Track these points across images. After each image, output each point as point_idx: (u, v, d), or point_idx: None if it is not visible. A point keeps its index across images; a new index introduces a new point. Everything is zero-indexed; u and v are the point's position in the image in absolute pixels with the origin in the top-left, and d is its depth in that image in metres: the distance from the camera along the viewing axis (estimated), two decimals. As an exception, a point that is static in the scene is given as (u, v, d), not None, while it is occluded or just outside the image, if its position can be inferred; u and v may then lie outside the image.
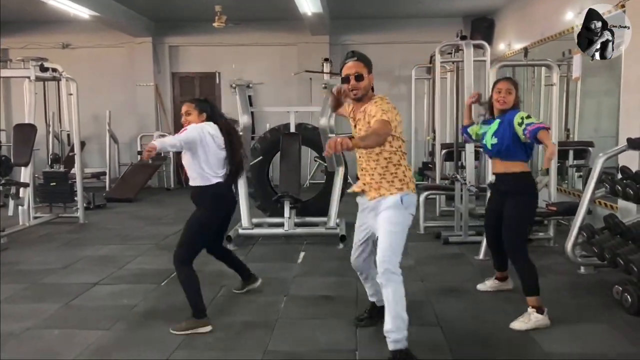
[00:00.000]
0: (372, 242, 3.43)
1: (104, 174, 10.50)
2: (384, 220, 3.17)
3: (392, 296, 3.07)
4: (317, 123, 6.46)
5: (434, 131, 8.67)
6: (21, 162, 6.91)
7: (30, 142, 7.02)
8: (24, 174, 7.01)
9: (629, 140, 4.67)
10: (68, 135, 8.86)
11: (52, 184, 7.62)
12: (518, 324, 3.62)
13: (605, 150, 4.88)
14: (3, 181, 6.55)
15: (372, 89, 3.30)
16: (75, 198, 7.64)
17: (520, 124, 3.71)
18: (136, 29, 10.92)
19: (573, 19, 6.93)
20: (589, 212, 5.00)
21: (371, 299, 3.73)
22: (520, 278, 3.81)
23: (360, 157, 3.32)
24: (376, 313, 3.62)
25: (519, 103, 4.03)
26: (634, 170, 4.63)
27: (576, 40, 4.35)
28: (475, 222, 6.03)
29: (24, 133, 7.05)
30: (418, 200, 6.46)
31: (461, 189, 6.12)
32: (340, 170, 6.63)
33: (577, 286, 4.50)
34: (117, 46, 11.39)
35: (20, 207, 6.97)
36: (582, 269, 4.83)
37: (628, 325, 3.65)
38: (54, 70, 7.59)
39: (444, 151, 7.74)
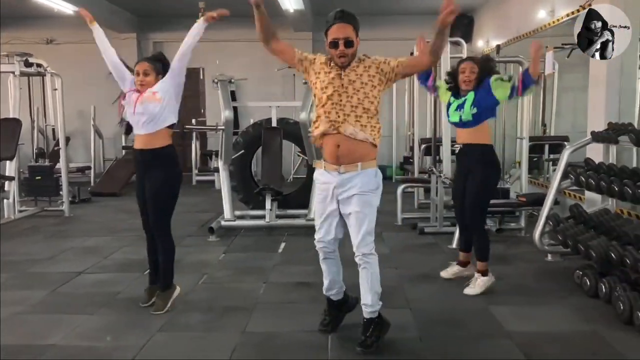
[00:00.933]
0: (332, 212, 3.22)
1: (88, 168, 10.60)
2: (361, 203, 3.11)
3: (372, 277, 3.21)
4: (298, 117, 6.63)
5: (414, 126, 8.87)
6: (6, 156, 7.02)
7: (15, 137, 7.13)
8: (9, 168, 7.12)
9: (592, 133, 4.91)
10: (53, 130, 8.96)
11: (37, 178, 7.72)
12: (469, 290, 4.14)
13: (580, 144, 5.12)
14: (-12, 174, 6.66)
15: None
16: (61, 192, 7.74)
17: (502, 81, 4.10)
18: (120, 25, 10.99)
19: (545, 17, 7.17)
20: (556, 202, 5.24)
21: (327, 293, 3.49)
22: (475, 244, 4.27)
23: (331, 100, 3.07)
24: (336, 310, 3.54)
25: (483, 75, 4.23)
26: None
27: (576, 40, 4.46)
28: (450, 214, 6.23)
29: (9, 127, 7.15)
30: (396, 193, 6.76)
31: (437, 182, 6.33)
32: (321, 164, 6.79)
33: (543, 272, 4.73)
34: (102, 42, 11.44)
35: (5, 201, 7.09)
36: (549, 257, 5.06)
37: (585, 306, 3.88)
38: (39, 65, 7.68)
39: (423, 146, 7.95)
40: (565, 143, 7.41)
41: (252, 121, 9.00)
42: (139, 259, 5.25)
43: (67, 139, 8.89)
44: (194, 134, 11.03)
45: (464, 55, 7.24)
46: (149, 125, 3.72)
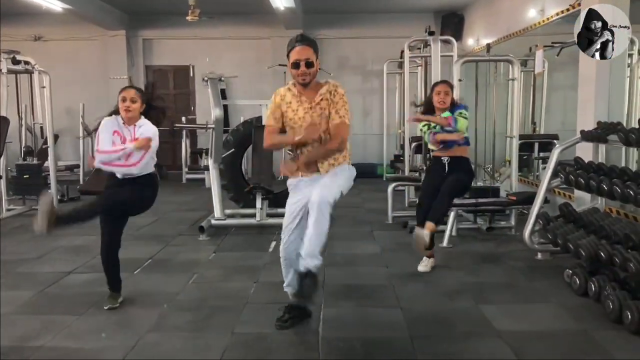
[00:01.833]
0: (304, 215, 3.33)
1: (77, 166, 10.51)
2: (333, 174, 3.33)
3: (323, 227, 3.16)
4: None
5: (404, 125, 8.88)
6: (-6, 154, 6.95)
7: (2, 135, 7.05)
8: (-3, 167, 7.05)
9: (582, 132, 4.93)
10: (41, 128, 8.87)
11: (25, 176, 7.66)
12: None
13: (570, 142, 5.14)
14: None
15: None
16: (49, 190, 7.67)
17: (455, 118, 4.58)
18: (110, 22, 10.93)
19: (535, 15, 7.20)
20: (546, 201, 5.27)
21: (287, 289, 3.59)
22: (434, 210, 4.51)
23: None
24: (296, 311, 3.57)
25: (456, 101, 4.76)
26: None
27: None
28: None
29: (-4, 125, 7.07)
30: (386, 191, 6.78)
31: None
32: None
33: (533, 271, 4.75)
34: (91, 39, 11.39)
35: (-8, 199, 7.02)
36: (539, 255, 5.08)
37: (575, 305, 3.89)
38: (27, 63, 7.61)
39: (413, 144, 7.95)
40: (555, 141, 7.44)
41: (242, 119, 8.98)
42: (128, 258, 5.19)
43: (56, 137, 8.82)
44: (184, 132, 10.98)
45: (454, 54, 7.29)
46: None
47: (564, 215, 4.78)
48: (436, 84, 4.75)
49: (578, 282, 4.07)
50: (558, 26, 6.70)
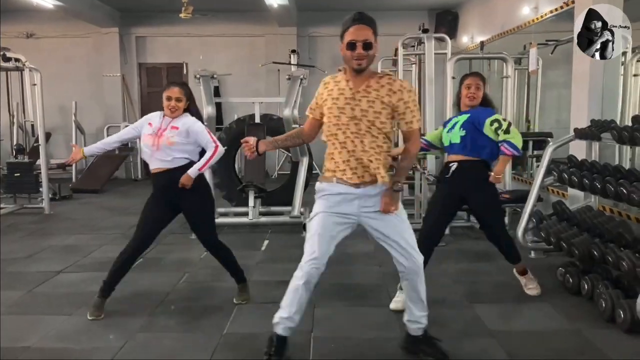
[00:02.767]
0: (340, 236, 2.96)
1: (69, 165, 10.44)
2: (399, 214, 2.95)
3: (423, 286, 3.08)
4: (282, 114, 6.58)
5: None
6: (-16, 152, 6.89)
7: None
8: (-13, 165, 6.99)
9: (575, 130, 4.91)
10: (32, 126, 8.81)
11: (16, 174, 7.60)
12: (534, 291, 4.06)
13: (564, 140, 5.12)
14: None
15: None
16: (41, 189, 7.62)
17: (496, 129, 3.79)
18: (102, 20, 10.86)
19: (529, 13, 7.18)
20: (540, 199, 5.25)
21: (290, 322, 2.97)
22: (507, 248, 4.08)
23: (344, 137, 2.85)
24: (283, 348, 3.00)
25: (489, 99, 4.03)
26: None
27: (575, 41, 4.41)
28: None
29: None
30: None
31: (421, 179, 6.31)
32: (305, 160, 6.76)
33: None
34: (83, 36, 11.31)
35: (-17, 198, 6.96)
36: (533, 254, 5.07)
37: (568, 304, 3.88)
38: (17, 60, 7.54)
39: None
40: (549, 139, 7.43)
41: (236, 117, 8.94)
42: (119, 258, 5.18)
43: (48, 135, 8.77)
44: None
45: (448, 51, 7.25)
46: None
47: (558, 214, 4.77)
48: (466, 76, 4.03)
49: (571, 280, 4.05)
50: (552, 24, 6.69)
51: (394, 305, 3.80)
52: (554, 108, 8.17)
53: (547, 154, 4.96)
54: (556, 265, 4.43)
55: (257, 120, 6.87)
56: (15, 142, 8.52)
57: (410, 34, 7.43)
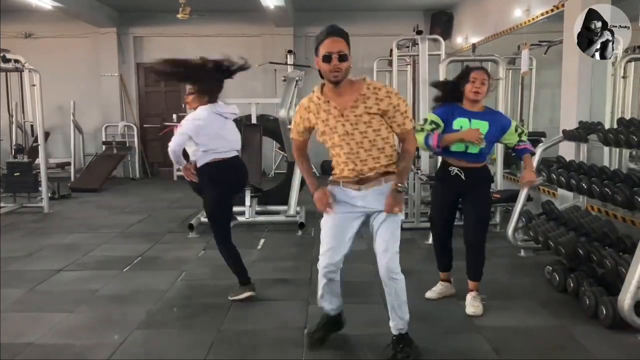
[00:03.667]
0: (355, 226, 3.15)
1: (68, 164, 10.54)
2: (393, 219, 3.05)
3: (403, 292, 3.20)
4: (278, 114, 6.67)
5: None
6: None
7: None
8: (-13, 165, 7.08)
9: (564, 131, 5.03)
10: (32, 126, 8.90)
11: (15, 174, 7.68)
12: (476, 310, 3.78)
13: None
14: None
15: None
16: (40, 188, 7.71)
17: (520, 134, 3.77)
18: (100, 20, 10.93)
19: (521, 15, 7.29)
20: (530, 198, 5.36)
21: (329, 306, 3.31)
22: (475, 261, 3.91)
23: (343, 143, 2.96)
24: (330, 326, 3.38)
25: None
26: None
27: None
28: (426, 210, 6.32)
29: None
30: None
31: (414, 178, 6.41)
32: (300, 160, 6.84)
33: (515, 268, 4.85)
34: (82, 36, 11.39)
35: (-17, 197, 7.05)
36: (522, 252, 5.18)
37: (554, 301, 3.99)
38: (16, 61, 7.62)
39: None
40: (542, 139, 7.54)
41: (232, 117, 9.01)
42: (118, 256, 5.29)
43: (47, 134, 8.85)
44: (175, 130, 10.99)
45: (442, 52, 7.33)
46: None
47: (547, 213, 4.89)
48: (472, 69, 3.79)
49: (558, 278, 4.16)
50: (545, 25, 6.79)
51: (429, 294, 4.10)
52: (548, 108, 8.27)
53: (537, 155, 5.07)
54: (543, 264, 4.54)
55: (254, 121, 6.97)
56: (14, 142, 8.60)
57: (405, 35, 7.53)
